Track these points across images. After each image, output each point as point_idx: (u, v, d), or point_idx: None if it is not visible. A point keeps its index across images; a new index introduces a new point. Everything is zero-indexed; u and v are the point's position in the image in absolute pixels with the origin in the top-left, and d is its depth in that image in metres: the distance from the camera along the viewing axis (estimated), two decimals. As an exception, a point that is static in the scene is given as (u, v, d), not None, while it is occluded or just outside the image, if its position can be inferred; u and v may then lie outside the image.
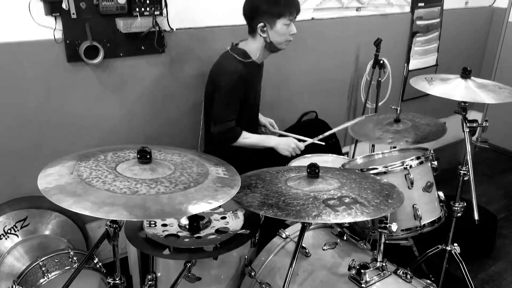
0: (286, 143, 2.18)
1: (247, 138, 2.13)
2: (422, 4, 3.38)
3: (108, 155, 1.31)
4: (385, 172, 1.73)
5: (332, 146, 2.72)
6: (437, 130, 2.01)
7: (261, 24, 2.01)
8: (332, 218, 1.21)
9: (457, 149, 4.08)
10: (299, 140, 2.24)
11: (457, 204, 2.01)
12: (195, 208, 1.10)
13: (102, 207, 1.04)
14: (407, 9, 3.33)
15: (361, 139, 2.09)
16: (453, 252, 2.07)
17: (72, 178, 1.15)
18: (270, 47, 2.09)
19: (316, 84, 3.02)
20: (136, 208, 1.05)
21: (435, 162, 1.86)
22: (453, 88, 1.87)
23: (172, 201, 1.10)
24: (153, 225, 1.58)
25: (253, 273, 1.59)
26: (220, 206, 1.70)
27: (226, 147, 2.12)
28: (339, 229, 1.72)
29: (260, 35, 2.05)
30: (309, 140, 2.25)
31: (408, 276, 1.44)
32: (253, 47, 2.10)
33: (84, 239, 2.23)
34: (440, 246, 2.11)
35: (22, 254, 2.00)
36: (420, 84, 1.93)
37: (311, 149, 2.28)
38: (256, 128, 2.36)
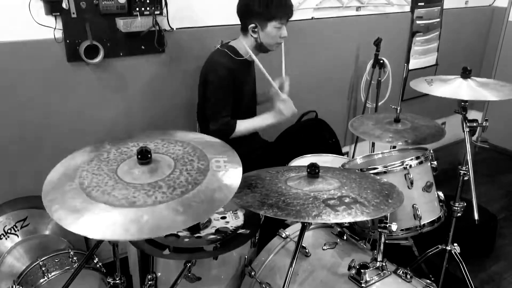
0: (282, 107, 2.12)
1: (243, 126, 2.08)
2: (422, 4, 3.38)
3: (111, 153, 1.31)
4: (385, 172, 1.73)
5: (332, 146, 2.71)
6: (436, 132, 2.01)
7: (253, 25, 2.03)
8: (332, 218, 1.21)
9: (457, 149, 4.08)
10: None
11: (457, 204, 2.01)
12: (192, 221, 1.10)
13: (98, 225, 1.04)
14: (407, 8, 3.33)
15: (360, 136, 2.08)
16: (453, 252, 2.08)
17: (73, 187, 1.15)
18: (260, 48, 2.09)
19: (316, 84, 3.02)
20: (132, 224, 1.04)
21: (435, 162, 1.86)
22: (454, 88, 1.87)
23: (169, 212, 1.08)
24: (153, 225, 1.58)
25: (253, 273, 1.59)
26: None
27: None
28: (339, 229, 1.72)
29: (251, 35, 2.06)
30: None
31: (408, 276, 1.44)
32: (244, 45, 2.11)
33: (84, 239, 2.23)
34: (440, 246, 2.11)
35: (22, 254, 2.00)
36: (420, 86, 1.93)
37: (311, 149, 2.27)
38: None
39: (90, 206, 1.10)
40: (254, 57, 2.06)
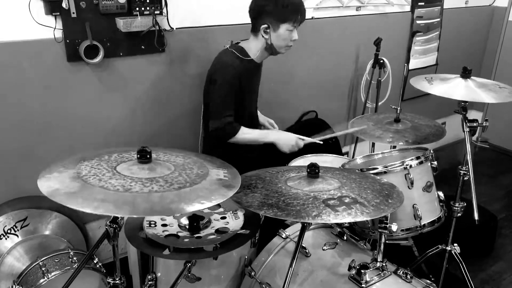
0: (287, 139, 2.13)
1: (246, 134, 2.09)
2: (422, 4, 3.38)
3: (113, 156, 1.31)
4: (385, 172, 1.73)
5: (332, 146, 2.72)
6: (436, 132, 2.01)
7: (265, 25, 2.00)
8: (332, 218, 1.21)
9: (457, 149, 4.08)
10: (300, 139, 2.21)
11: (457, 204, 2.01)
12: (186, 208, 1.10)
13: (92, 202, 1.05)
14: (407, 8, 3.33)
15: (361, 137, 2.09)
16: (453, 252, 2.08)
17: (70, 176, 1.16)
18: (271, 49, 2.08)
19: (316, 84, 3.02)
20: (125, 205, 1.05)
21: (435, 162, 1.86)
22: (453, 87, 1.87)
23: (163, 200, 1.09)
24: (153, 225, 1.58)
25: (253, 273, 1.59)
26: (220, 206, 1.70)
27: (225, 147, 2.11)
28: (339, 229, 1.72)
29: (262, 36, 2.04)
30: (308, 139, 2.21)
31: (408, 276, 1.44)
32: (254, 45, 2.09)
33: (84, 239, 2.23)
34: (440, 246, 2.11)
35: (22, 254, 2.00)
36: (420, 83, 1.93)
37: (310, 149, 2.27)
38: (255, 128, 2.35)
39: (86, 189, 1.11)
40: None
